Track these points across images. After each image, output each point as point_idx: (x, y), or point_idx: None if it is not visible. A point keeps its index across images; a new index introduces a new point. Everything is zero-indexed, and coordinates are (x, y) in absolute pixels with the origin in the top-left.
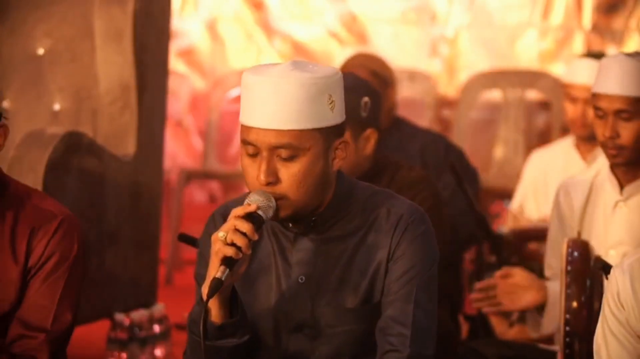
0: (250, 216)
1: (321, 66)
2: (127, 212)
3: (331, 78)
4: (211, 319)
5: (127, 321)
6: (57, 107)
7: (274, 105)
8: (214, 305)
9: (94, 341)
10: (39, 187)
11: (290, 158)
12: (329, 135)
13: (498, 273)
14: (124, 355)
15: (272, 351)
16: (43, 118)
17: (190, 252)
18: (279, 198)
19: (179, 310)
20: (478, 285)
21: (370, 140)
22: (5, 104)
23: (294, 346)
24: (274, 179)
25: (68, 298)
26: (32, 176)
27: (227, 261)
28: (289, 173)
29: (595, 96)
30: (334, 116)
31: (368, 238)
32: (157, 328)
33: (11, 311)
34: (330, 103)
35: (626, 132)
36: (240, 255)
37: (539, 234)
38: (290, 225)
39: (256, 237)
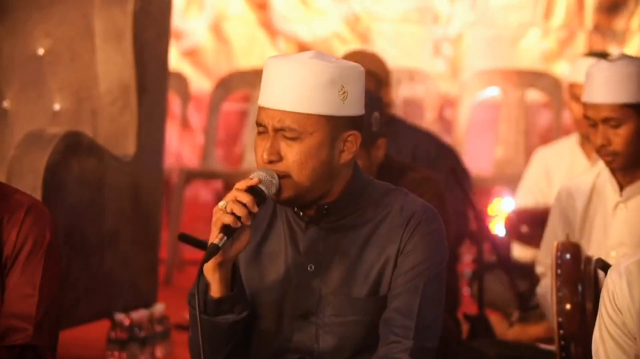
0: (252, 190)
1: (343, 60)
2: (127, 212)
3: (347, 70)
4: (210, 294)
5: (127, 321)
6: (57, 107)
7: (282, 87)
8: (214, 280)
9: (94, 341)
10: (39, 187)
11: (293, 139)
12: (337, 125)
13: None
14: (124, 355)
15: (276, 338)
16: (43, 118)
17: (190, 252)
18: (282, 176)
19: (179, 310)
20: None
21: (380, 148)
22: (5, 104)
23: (299, 334)
24: (276, 157)
25: (48, 285)
26: (32, 176)
27: (225, 229)
28: (291, 152)
29: (584, 105)
30: (345, 107)
31: (379, 231)
32: (157, 328)
33: None
34: (342, 94)
35: (617, 138)
36: (239, 224)
37: (536, 219)
38: (301, 213)
39: (256, 209)
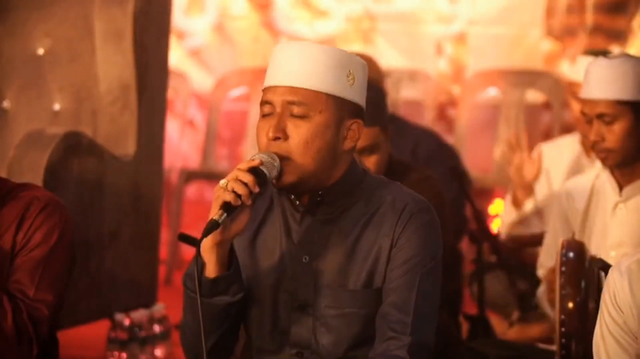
0: (253, 170)
1: None
2: (127, 212)
3: (354, 58)
4: (206, 275)
5: (127, 321)
6: (57, 107)
7: (294, 66)
8: (210, 260)
9: (94, 341)
10: None
11: (301, 117)
12: (343, 108)
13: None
14: (124, 355)
15: (273, 332)
16: (43, 118)
17: (190, 252)
18: (283, 158)
19: (179, 310)
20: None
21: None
22: (5, 104)
23: (296, 327)
24: (282, 135)
25: (47, 280)
26: (32, 176)
27: (225, 206)
28: (298, 131)
29: (582, 101)
30: (352, 92)
31: (372, 223)
32: (157, 328)
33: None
34: (350, 79)
35: (610, 135)
36: (239, 202)
37: (535, 241)
38: (298, 202)
39: (257, 189)
